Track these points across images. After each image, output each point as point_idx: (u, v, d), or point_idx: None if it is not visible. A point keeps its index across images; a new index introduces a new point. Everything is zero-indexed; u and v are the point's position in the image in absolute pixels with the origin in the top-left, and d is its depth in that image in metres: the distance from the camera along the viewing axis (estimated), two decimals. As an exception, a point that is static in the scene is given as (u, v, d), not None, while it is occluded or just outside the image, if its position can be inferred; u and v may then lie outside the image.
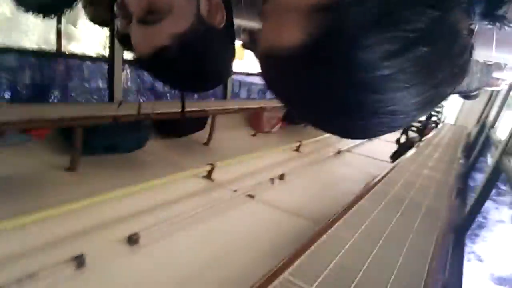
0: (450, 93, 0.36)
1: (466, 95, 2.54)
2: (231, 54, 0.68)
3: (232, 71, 0.71)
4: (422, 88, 0.33)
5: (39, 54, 3.94)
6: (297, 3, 0.33)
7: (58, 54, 3.48)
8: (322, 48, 0.31)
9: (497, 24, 0.37)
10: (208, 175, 3.29)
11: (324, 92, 0.34)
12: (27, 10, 1.04)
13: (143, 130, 3.24)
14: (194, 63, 0.62)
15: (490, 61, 1.40)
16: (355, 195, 2.81)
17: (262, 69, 0.37)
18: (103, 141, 2.88)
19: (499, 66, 1.55)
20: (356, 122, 0.36)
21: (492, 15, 0.36)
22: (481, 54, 0.68)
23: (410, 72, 0.31)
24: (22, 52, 3.90)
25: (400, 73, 0.31)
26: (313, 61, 0.32)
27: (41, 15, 1.06)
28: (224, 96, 5.34)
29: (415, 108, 0.35)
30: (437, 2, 0.30)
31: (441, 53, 0.32)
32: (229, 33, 0.67)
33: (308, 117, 0.39)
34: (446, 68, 0.34)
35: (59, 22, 3.41)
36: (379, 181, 2.97)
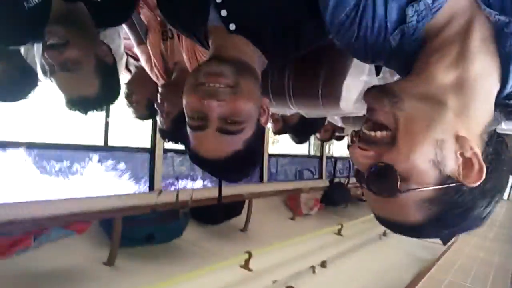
0: None
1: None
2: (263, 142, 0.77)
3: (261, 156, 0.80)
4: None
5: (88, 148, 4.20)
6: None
7: (105, 147, 3.71)
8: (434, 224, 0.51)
9: None
10: (246, 264, 3.16)
11: None
12: (73, 108, 1.13)
13: (181, 219, 3.25)
14: (252, 158, 0.74)
15: None
16: (405, 284, 2.57)
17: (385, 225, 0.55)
18: (142, 232, 2.90)
19: None
20: None
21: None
22: None
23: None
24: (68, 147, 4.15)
25: None
26: None
27: (85, 112, 1.15)
28: (261, 179, 5.34)
29: None
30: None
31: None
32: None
33: None
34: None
35: (107, 115, 3.67)
36: (431, 267, 2.71)
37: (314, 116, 1.65)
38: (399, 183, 0.47)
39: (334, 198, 5.34)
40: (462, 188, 0.48)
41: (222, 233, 3.84)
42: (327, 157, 6.76)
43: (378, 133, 0.49)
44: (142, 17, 1.40)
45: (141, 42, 1.49)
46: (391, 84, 0.52)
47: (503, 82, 0.50)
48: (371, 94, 0.52)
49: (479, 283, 2.42)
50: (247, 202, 4.12)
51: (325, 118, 2.18)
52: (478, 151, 0.47)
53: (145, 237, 2.93)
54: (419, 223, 0.49)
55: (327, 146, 6.88)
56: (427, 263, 2.96)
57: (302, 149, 6.49)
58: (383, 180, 0.48)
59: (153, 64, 1.48)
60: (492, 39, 0.51)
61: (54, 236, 2.47)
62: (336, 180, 5.77)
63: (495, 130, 0.51)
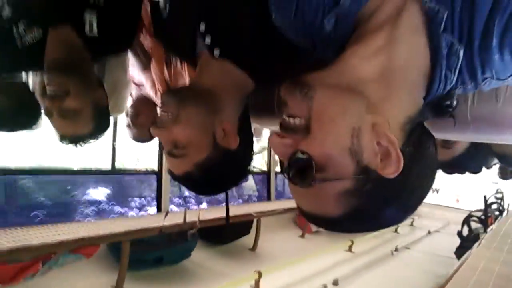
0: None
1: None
2: (248, 162, 0.81)
3: (247, 174, 0.83)
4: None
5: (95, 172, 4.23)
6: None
7: (113, 171, 3.73)
8: (353, 217, 0.47)
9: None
10: (256, 284, 3.11)
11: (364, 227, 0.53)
12: (64, 143, 1.14)
13: (189, 240, 3.23)
14: (213, 179, 0.77)
15: None
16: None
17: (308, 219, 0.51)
18: (150, 255, 2.88)
19: None
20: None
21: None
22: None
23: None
24: (77, 171, 4.18)
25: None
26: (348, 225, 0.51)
27: (76, 145, 1.16)
28: (269, 198, 5.32)
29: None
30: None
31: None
32: (246, 146, 0.79)
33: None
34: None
35: (114, 139, 3.69)
36: (446, 283, 2.64)
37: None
38: (314, 172, 0.44)
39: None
40: (381, 180, 0.45)
41: (231, 253, 3.80)
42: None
43: (296, 120, 0.47)
44: (144, 43, 1.43)
45: (145, 68, 1.52)
46: (305, 75, 0.49)
47: (431, 78, 0.48)
48: (283, 87, 0.49)
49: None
50: (255, 221, 4.09)
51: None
52: (395, 140, 0.44)
53: (154, 259, 2.91)
54: (338, 217, 0.47)
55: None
56: (441, 279, 2.88)
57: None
58: (300, 169, 0.45)
59: (157, 90, 1.49)
60: (423, 29, 0.47)
61: (62, 261, 2.46)
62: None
63: (420, 124, 0.49)
